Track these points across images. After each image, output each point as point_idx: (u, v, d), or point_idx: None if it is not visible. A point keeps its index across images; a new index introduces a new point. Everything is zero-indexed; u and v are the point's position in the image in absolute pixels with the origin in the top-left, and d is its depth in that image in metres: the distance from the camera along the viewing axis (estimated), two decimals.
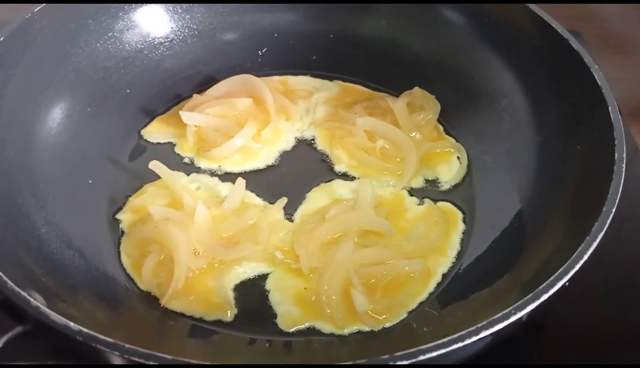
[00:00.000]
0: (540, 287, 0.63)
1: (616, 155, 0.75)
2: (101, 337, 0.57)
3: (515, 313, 0.60)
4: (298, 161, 1.00)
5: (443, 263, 0.86)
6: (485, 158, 0.98)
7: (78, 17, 1.00)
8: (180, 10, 1.11)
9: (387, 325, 0.78)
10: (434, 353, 0.57)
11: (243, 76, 1.06)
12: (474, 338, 0.58)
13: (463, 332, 0.58)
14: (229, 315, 0.80)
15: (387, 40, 1.12)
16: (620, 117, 0.80)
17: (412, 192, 0.96)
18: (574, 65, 0.88)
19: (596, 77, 0.85)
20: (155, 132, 1.04)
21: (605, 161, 0.76)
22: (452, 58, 1.07)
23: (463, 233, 0.90)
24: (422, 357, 0.56)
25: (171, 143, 1.03)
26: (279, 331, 0.79)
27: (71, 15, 0.99)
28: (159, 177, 0.92)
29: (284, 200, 0.92)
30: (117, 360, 0.58)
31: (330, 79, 1.14)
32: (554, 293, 0.63)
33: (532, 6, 0.97)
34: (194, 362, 0.56)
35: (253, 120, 1.01)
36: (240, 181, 0.91)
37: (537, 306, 0.61)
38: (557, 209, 0.82)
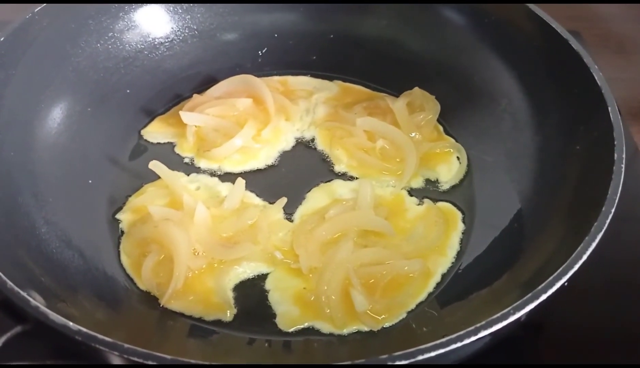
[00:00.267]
0: (539, 287, 0.63)
1: (616, 155, 0.75)
2: (100, 336, 0.57)
3: (514, 313, 0.60)
4: (298, 161, 1.00)
5: (442, 263, 0.86)
6: (485, 158, 0.98)
7: (78, 17, 1.00)
8: (180, 11, 1.11)
9: (387, 325, 0.79)
10: (433, 353, 0.57)
11: (243, 76, 1.06)
12: (473, 338, 0.58)
13: (462, 332, 0.58)
14: (229, 314, 0.80)
15: (387, 40, 1.13)
16: (620, 117, 0.80)
17: (411, 192, 0.96)
18: (573, 65, 0.89)
19: (596, 77, 0.85)
20: (155, 132, 1.04)
21: (604, 161, 0.76)
22: (452, 58, 1.07)
23: (462, 233, 0.90)
24: (420, 357, 0.57)
25: (171, 143, 1.03)
26: (279, 331, 0.79)
27: (71, 15, 0.99)
28: (158, 177, 0.92)
29: (283, 200, 0.92)
30: (116, 360, 0.59)
31: (330, 79, 1.14)
32: (553, 293, 0.63)
33: (532, 6, 0.97)
34: (194, 361, 0.56)
35: (253, 120, 1.01)
36: (240, 181, 0.91)
37: (536, 306, 0.62)
38: (557, 210, 0.82)
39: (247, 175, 0.96)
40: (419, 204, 0.94)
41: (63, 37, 0.98)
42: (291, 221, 0.91)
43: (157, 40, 1.09)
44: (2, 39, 0.88)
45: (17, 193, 0.84)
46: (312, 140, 1.03)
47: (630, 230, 0.92)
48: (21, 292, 0.61)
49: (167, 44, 1.10)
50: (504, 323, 0.59)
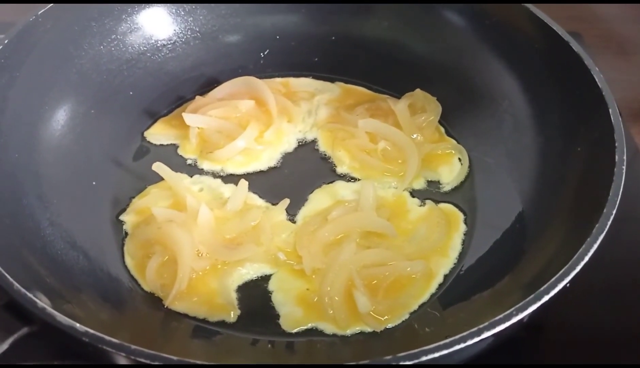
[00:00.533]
0: (542, 288, 0.63)
1: (617, 157, 0.75)
2: (107, 338, 0.58)
3: (516, 314, 0.61)
4: (300, 163, 1.01)
5: (445, 264, 0.86)
6: (487, 160, 0.99)
7: (81, 19, 1.01)
8: (182, 13, 1.11)
9: (389, 325, 0.79)
10: (437, 354, 0.57)
11: (245, 77, 1.07)
12: (476, 339, 0.58)
13: (465, 333, 0.58)
14: (232, 315, 0.80)
15: (388, 42, 1.13)
16: (620, 118, 0.80)
17: (413, 193, 0.96)
18: (574, 67, 0.89)
19: (596, 79, 0.85)
20: (158, 134, 1.05)
21: (605, 162, 0.76)
22: (453, 60, 1.08)
23: (464, 234, 0.90)
24: (424, 358, 0.57)
25: (174, 144, 1.03)
26: (282, 332, 0.79)
27: (75, 17, 0.99)
28: (162, 179, 0.92)
29: (286, 201, 0.92)
30: (122, 361, 0.59)
31: (332, 80, 1.14)
32: (556, 294, 0.63)
33: (533, 8, 0.97)
34: (199, 362, 0.56)
35: (255, 122, 1.02)
36: (243, 183, 0.92)
37: (538, 307, 0.62)
38: (558, 211, 0.83)
39: (250, 177, 0.97)
40: (420, 206, 0.94)
41: (66, 40, 0.98)
42: (294, 222, 0.91)
43: (159, 42, 1.10)
44: (6, 42, 0.89)
45: (22, 194, 0.84)
46: (314, 142, 1.04)
47: (631, 231, 0.92)
48: (28, 294, 0.62)
49: (169, 46, 1.10)
50: (507, 324, 0.60)
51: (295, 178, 0.98)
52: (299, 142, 1.04)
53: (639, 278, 0.88)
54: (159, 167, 0.91)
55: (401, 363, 0.57)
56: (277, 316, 0.81)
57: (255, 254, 0.85)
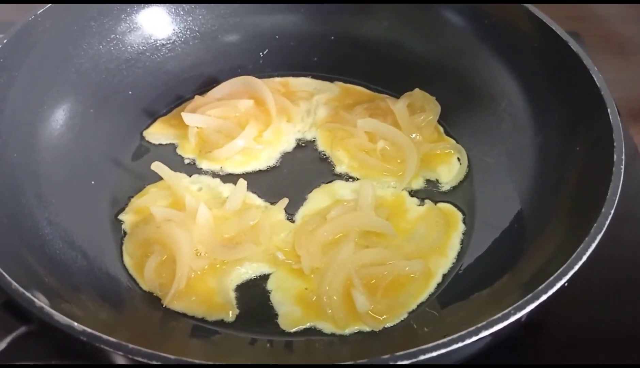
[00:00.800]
0: (540, 288, 0.63)
1: (615, 157, 0.75)
2: (105, 337, 0.58)
3: (515, 314, 0.61)
4: (299, 162, 1.01)
5: (443, 263, 0.86)
6: (486, 159, 0.99)
7: (81, 19, 1.01)
8: (182, 12, 1.11)
9: (388, 325, 0.79)
10: (434, 353, 0.57)
11: (244, 77, 1.07)
12: (474, 338, 0.58)
13: (463, 332, 0.58)
14: (231, 315, 0.80)
15: (387, 41, 1.13)
16: (619, 119, 0.80)
17: (412, 193, 0.96)
18: (573, 67, 0.89)
19: (595, 79, 0.85)
20: (157, 133, 1.05)
21: (604, 162, 0.76)
22: (452, 59, 1.08)
23: (463, 233, 0.90)
24: (422, 357, 0.57)
25: (173, 144, 1.03)
26: (280, 331, 0.79)
27: (74, 17, 1.00)
28: (161, 178, 0.92)
29: (285, 201, 0.92)
30: (120, 360, 0.59)
31: (331, 80, 1.14)
32: (554, 294, 0.63)
33: (532, 8, 0.97)
34: (197, 362, 0.56)
35: (254, 121, 1.02)
36: (242, 182, 0.92)
37: (536, 307, 0.62)
38: (557, 210, 0.83)
39: (249, 176, 0.97)
40: (419, 205, 0.94)
41: (65, 39, 0.99)
42: (293, 222, 0.91)
43: (159, 41, 1.10)
44: (5, 41, 0.89)
45: (21, 194, 0.84)
46: (313, 141, 1.04)
47: (630, 230, 0.93)
48: (26, 293, 0.62)
49: (169, 45, 1.10)
50: (505, 323, 0.60)
51: (294, 178, 0.98)
52: (298, 141, 1.04)
53: (637, 277, 0.88)
54: (158, 166, 0.91)
55: (399, 363, 0.57)
56: (276, 315, 0.81)
57: (254, 253, 0.85)
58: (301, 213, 0.92)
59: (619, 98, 0.84)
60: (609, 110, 0.81)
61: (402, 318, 0.80)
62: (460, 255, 0.87)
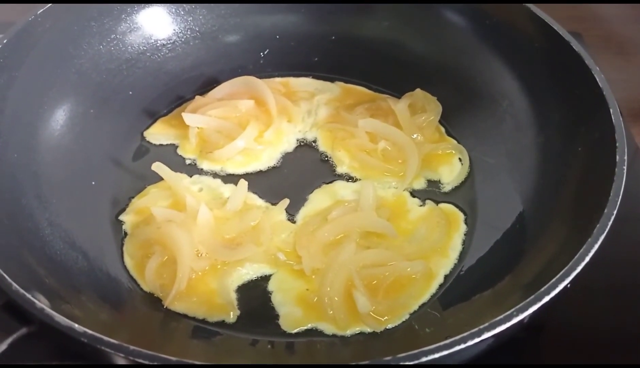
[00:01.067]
0: (542, 289, 0.63)
1: (617, 157, 0.75)
2: (106, 338, 0.57)
3: (517, 315, 0.60)
4: (300, 163, 1.01)
5: (445, 264, 0.86)
6: (487, 160, 0.98)
7: (81, 19, 1.01)
8: (182, 12, 1.11)
9: (389, 326, 0.79)
10: (437, 355, 0.57)
11: (245, 77, 1.07)
12: (477, 340, 0.58)
13: (465, 334, 0.58)
14: (232, 316, 0.80)
15: (388, 41, 1.13)
16: (621, 119, 0.80)
17: (413, 193, 0.96)
18: (575, 67, 0.89)
19: (597, 79, 0.85)
20: (158, 133, 1.05)
21: (606, 163, 0.76)
22: (453, 60, 1.08)
23: (465, 234, 0.90)
24: (424, 358, 0.57)
25: (174, 144, 1.03)
26: (282, 332, 0.79)
27: (74, 17, 0.99)
28: (161, 178, 0.92)
29: (286, 201, 0.92)
30: (121, 361, 0.59)
31: (332, 80, 1.14)
32: (556, 295, 0.63)
33: (533, 7, 0.97)
34: (198, 363, 0.56)
35: (255, 122, 1.01)
36: (243, 183, 0.91)
37: (539, 308, 0.62)
38: (559, 211, 0.82)
39: (250, 177, 0.97)
40: (421, 206, 0.94)
41: (66, 39, 0.98)
42: (294, 222, 0.91)
43: (159, 42, 1.10)
44: (5, 41, 0.89)
45: (21, 194, 0.84)
46: (314, 141, 1.04)
47: (632, 231, 0.92)
48: (26, 294, 0.61)
49: (169, 45, 1.10)
50: (508, 324, 0.60)
51: (295, 178, 0.98)
52: (298, 142, 1.04)
53: (638, 278, 0.88)
54: (158, 167, 0.91)
55: (401, 364, 0.56)
56: (277, 316, 0.81)
57: (254, 254, 0.85)
58: (302, 214, 0.92)
59: (619, 98, 0.84)
60: (611, 110, 0.81)
61: (404, 319, 0.80)
62: (461, 256, 0.87)
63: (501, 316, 0.60)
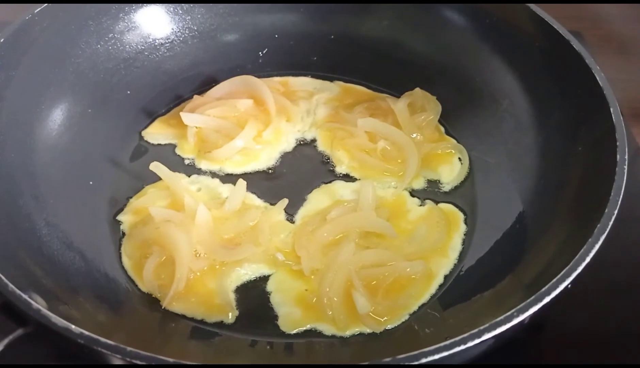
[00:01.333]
0: (543, 289, 0.62)
1: (618, 157, 0.75)
2: (102, 339, 0.57)
3: (517, 316, 0.60)
4: (299, 163, 1.00)
5: (445, 264, 0.85)
6: (487, 159, 0.98)
7: (78, 18, 1.00)
8: (180, 11, 1.11)
9: (389, 326, 0.78)
10: (436, 356, 0.57)
11: (243, 76, 1.06)
12: (477, 341, 0.58)
13: (465, 335, 0.58)
14: (230, 316, 0.80)
15: (388, 41, 1.12)
16: (621, 118, 0.80)
17: (413, 193, 0.95)
18: (575, 66, 0.88)
19: (598, 78, 0.84)
20: (156, 133, 1.04)
21: (607, 162, 0.75)
22: (453, 59, 1.07)
23: (465, 234, 0.90)
24: (424, 360, 0.56)
25: (172, 144, 1.03)
26: (281, 333, 0.79)
27: (72, 16, 0.99)
28: (159, 178, 0.92)
29: (285, 201, 0.92)
30: (118, 362, 0.58)
31: (331, 79, 1.14)
32: (557, 295, 0.63)
33: (534, 7, 0.96)
34: (195, 363, 0.56)
35: (254, 121, 1.01)
36: (241, 183, 0.91)
37: (539, 309, 0.61)
38: (559, 211, 0.82)
39: (248, 176, 0.96)
40: (420, 206, 0.93)
41: (63, 38, 0.98)
42: (292, 222, 0.91)
43: (157, 41, 1.09)
44: (2, 40, 0.88)
45: (18, 194, 0.83)
46: (313, 141, 1.03)
47: (632, 230, 0.92)
48: (23, 295, 0.61)
49: (167, 45, 1.10)
50: (508, 325, 0.59)
51: (294, 178, 0.98)
52: (297, 141, 1.03)
53: (638, 278, 0.88)
54: (156, 167, 0.90)
55: (400, 365, 0.56)
56: (276, 317, 0.80)
57: (253, 254, 0.85)
58: (301, 214, 0.92)
59: (620, 97, 0.83)
60: (611, 110, 0.80)
61: (403, 320, 0.79)
62: (461, 256, 0.87)
63: (501, 317, 0.60)
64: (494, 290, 0.77)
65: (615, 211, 0.70)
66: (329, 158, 1.00)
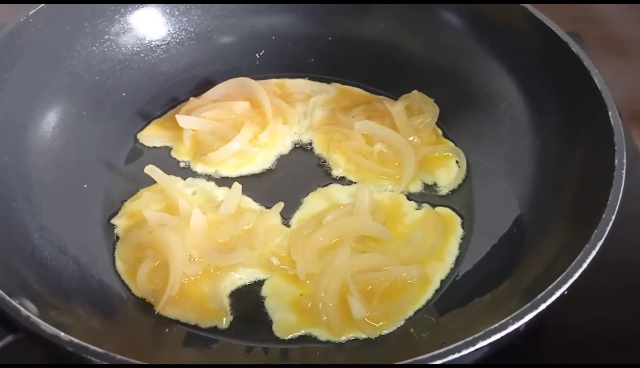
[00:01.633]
0: (539, 296, 0.62)
1: (616, 161, 0.74)
2: (92, 347, 0.56)
3: (513, 323, 0.59)
4: (295, 166, 1.00)
5: (441, 269, 0.85)
6: (484, 163, 0.97)
7: (74, 20, 1.00)
8: (177, 13, 1.10)
9: (384, 332, 0.78)
10: (431, 364, 0.56)
11: (240, 79, 1.05)
12: (471, 349, 0.57)
13: (460, 343, 0.57)
14: (225, 321, 0.79)
15: (385, 43, 1.12)
16: (620, 121, 0.79)
17: (410, 197, 0.95)
18: (573, 68, 0.88)
19: (596, 81, 0.84)
20: (152, 136, 1.03)
21: (605, 166, 0.75)
22: (450, 61, 1.06)
23: (462, 238, 0.89)
24: None
25: (167, 146, 1.02)
26: (275, 338, 0.78)
27: (67, 18, 0.98)
28: (154, 181, 0.91)
29: (280, 205, 0.91)
30: None
31: (328, 82, 1.13)
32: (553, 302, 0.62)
33: (532, 8, 0.96)
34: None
35: (250, 123, 1.00)
36: (237, 186, 0.90)
37: (535, 316, 0.61)
38: (557, 215, 0.81)
39: (244, 179, 0.96)
40: (417, 209, 0.93)
41: (58, 40, 0.97)
42: (288, 226, 0.90)
43: (153, 43, 1.08)
44: None
45: (11, 198, 0.83)
46: (310, 144, 1.03)
47: (631, 232, 0.91)
48: (12, 302, 0.60)
49: (163, 46, 1.09)
50: (503, 333, 0.59)
51: (290, 181, 0.97)
52: (294, 144, 1.03)
53: (638, 279, 0.87)
54: (151, 170, 0.90)
55: None
56: (271, 322, 0.80)
57: (248, 259, 0.84)
58: (297, 217, 0.91)
59: (619, 100, 0.83)
60: (609, 113, 0.79)
61: (399, 325, 0.79)
62: (458, 260, 0.86)
63: (497, 325, 0.59)
64: (490, 295, 0.77)
65: (613, 217, 0.69)
66: (325, 161, 1.00)
